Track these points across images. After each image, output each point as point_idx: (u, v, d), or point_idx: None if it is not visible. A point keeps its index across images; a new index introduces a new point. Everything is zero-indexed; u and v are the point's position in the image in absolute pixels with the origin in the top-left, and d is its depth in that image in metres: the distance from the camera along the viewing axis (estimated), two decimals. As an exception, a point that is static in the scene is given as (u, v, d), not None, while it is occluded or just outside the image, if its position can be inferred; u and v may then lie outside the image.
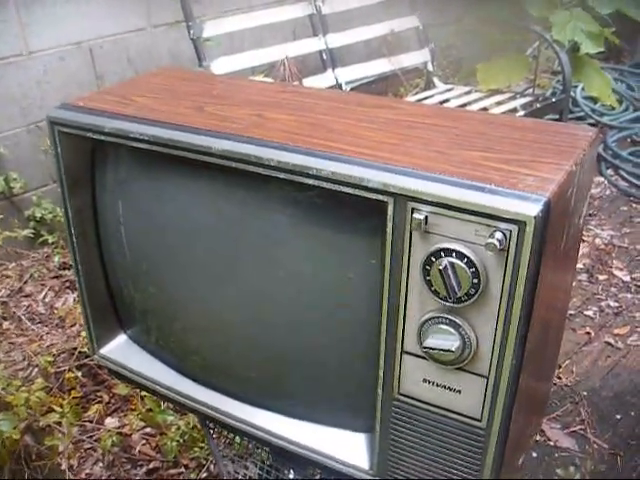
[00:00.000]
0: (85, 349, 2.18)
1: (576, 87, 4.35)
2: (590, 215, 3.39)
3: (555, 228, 0.86)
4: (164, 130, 1.03)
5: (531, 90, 3.92)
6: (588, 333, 2.58)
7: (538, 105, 3.57)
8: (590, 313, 2.68)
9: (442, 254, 0.84)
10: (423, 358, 0.94)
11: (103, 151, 1.18)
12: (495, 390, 0.91)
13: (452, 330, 0.88)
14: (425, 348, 0.90)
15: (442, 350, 0.89)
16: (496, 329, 0.86)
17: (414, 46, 3.85)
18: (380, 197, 0.87)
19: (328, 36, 3.43)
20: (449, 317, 0.88)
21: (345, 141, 0.98)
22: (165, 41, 3.20)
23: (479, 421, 0.94)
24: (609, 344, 2.52)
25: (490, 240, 0.80)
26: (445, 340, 0.89)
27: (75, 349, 2.23)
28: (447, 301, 0.87)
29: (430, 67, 3.90)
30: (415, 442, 1.01)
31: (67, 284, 2.69)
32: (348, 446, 1.12)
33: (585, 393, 2.28)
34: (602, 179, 3.78)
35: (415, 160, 0.90)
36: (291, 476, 1.23)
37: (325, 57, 3.43)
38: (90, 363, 2.20)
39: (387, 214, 0.87)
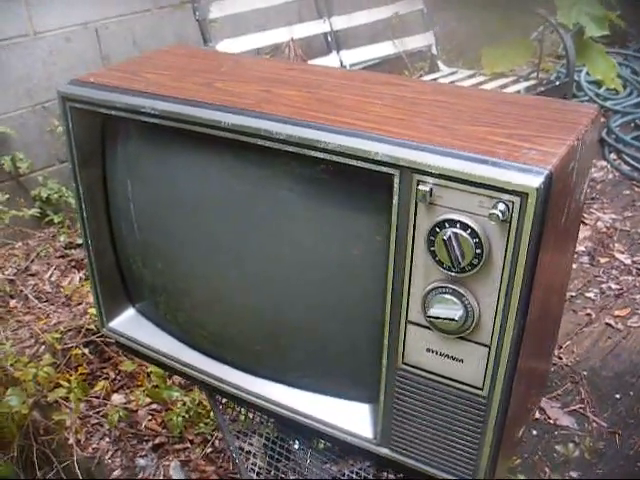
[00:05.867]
0: (92, 326, 2.21)
1: (580, 71, 4.35)
2: (592, 199, 3.40)
3: (556, 201, 0.88)
4: (175, 105, 1.05)
5: (535, 74, 3.92)
6: (589, 314, 2.60)
7: (542, 89, 3.57)
8: (591, 295, 2.71)
9: (446, 225, 0.87)
10: (427, 328, 0.96)
11: (113, 127, 1.20)
12: (497, 359, 0.93)
13: (455, 300, 0.91)
14: (429, 317, 0.93)
15: (446, 319, 0.91)
16: (498, 299, 0.89)
17: (418, 29, 3.85)
18: (387, 169, 0.89)
19: (333, 18, 3.43)
20: (453, 287, 0.90)
21: (352, 116, 1.00)
22: (170, 22, 3.21)
23: (481, 389, 0.97)
24: (609, 325, 2.54)
25: (493, 211, 0.82)
26: (449, 309, 0.91)
27: (82, 327, 2.25)
28: (451, 271, 0.89)
29: (434, 50, 3.90)
30: (418, 411, 1.04)
31: (73, 263, 2.72)
32: (352, 416, 1.15)
33: (585, 373, 2.31)
34: (605, 163, 3.79)
35: (421, 134, 0.92)
36: (296, 446, 1.26)
37: (330, 39, 3.43)
38: (97, 340, 2.23)
39: (393, 186, 0.90)
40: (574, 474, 1.92)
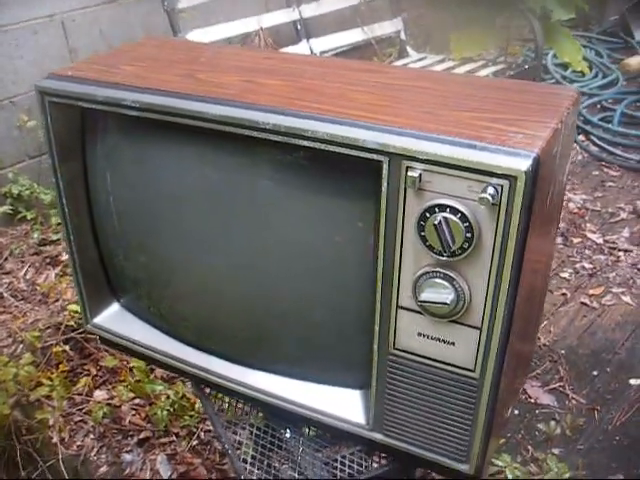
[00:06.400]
0: (72, 323, 2.19)
1: (547, 54, 4.39)
2: (563, 180, 3.45)
3: (543, 183, 0.89)
4: (158, 97, 1.04)
5: (503, 58, 3.95)
6: (564, 294, 2.65)
7: (511, 72, 3.61)
8: (566, 275, 2.75)
9: (436, 210, 0.87)
10: (418, 312, 0.97)
11: (93, 120, 1.18)
12: (488, 341, 0.94)
13: (446, 284, 0.92)
14: (421, 302, 0.94)
15: (437, 303, 0.92)
16: (488, 281, 0.90)
17: (387, 15, 3.85)
18: (375, 156, 0.90)
19: (302, 7, 3.42)
20: (443, 271, 0.91)
21: (337, 104, 1.00)
22: (137, 13, 3.16)
23: (472, 371, 0.98)
24: (585, 304, 2.59)
25: (483, 195, 0.83)
26: (440, 293, 0.92)
27: (61, 324, 2.23)
28: (442, 255, 0.90)
29: (403, 36, 3.91)
30: (410, 395, 1.05)
31: (47, 260, 2.68)
32: (344, 403, 1.16)
33: (563, 352, 2.35)
34: (574, 145, 3.84)
35: (407, 120, 0.93)
36: (287, 435, 1.27)
37: (299, 27, 3.43)
38: (77, 337, 2.21)
39: (382, 173, 0.90)
40: (556, 451, 1.95)
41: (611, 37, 5.11)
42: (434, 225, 0.88)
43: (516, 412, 2.10)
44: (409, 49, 3.94)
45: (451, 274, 0.91)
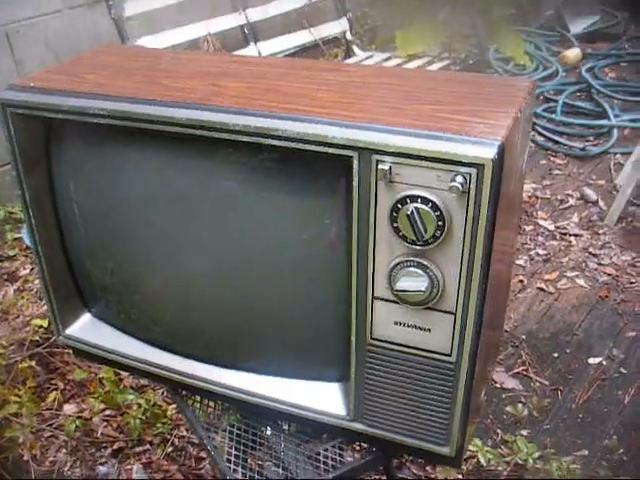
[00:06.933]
0: (36, 337, 2.16)
1: (488, 50, 4.50)
2: (513, 170, 3.54)
3: (507, 170, 0.93)
4: (125, 104, 1.04)
5: (447, 54, 4.03)
6: (521, 281, 2.72)
7: (456, 68, 3.68)
8: (521, 262, 2.83)
9: (408, 200, 0.90)
10: (393, 302, 1.00)
11: (56, 130, 1.18)
12: (462, 325, 0.98)
13: (420, 272, 0.95)
14: (397, 291, 0.97)
15: (413, 291, 0.95)
16: (461, 267, 0.93)
17: (332, 16, 3.89)
18: (345, 152, 0.92)
19: (248, 10, 3.43)
20: (417, 260, 0.94)
21: (303, 103, 1.02)
22: (83, 22, 3.13)
23: (449, 356, 1.01)
24: (541, 289, 2.67)
25: (452, 184, 0.87)
26: (415, 282, 0.95)
27: (25, 339, 2.20)
28: (415, 245, 0.93)
29: (349, 36, 3.96)
30: (389, 383, 1.08)
31: (5, 276, 2.64)
32: (324, 396, 1.18)
33: (524, 337, 2.42)
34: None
35: (373, 116, 0.96)
36: (268, 432, 1.28)
37: (246, 31, 3.44)
38: (42, 352, 2.18)
39: (353, 168, 0.93)
40: (524, 432, 2.01)
41: (548, 31, 5.25)
42: (407, 215, 0.90)
43: (484, 397, 2.15)
44: (355, 48, 3.99)
45: (425, 262, 0.94)
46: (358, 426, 1.14)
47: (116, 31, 2.88)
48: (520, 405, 2.07)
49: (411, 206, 0.90)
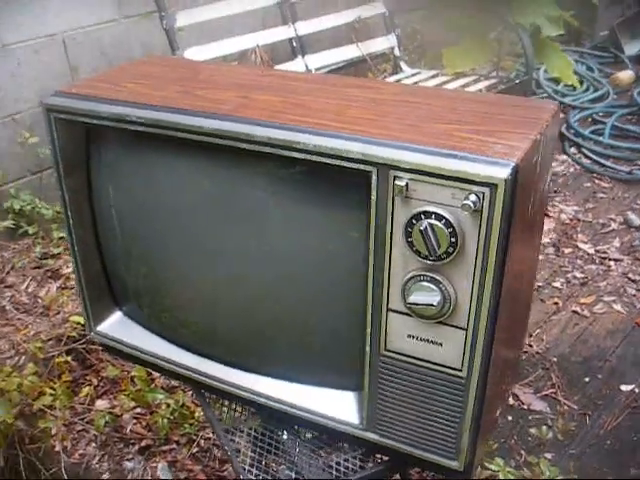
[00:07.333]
0: (74, 334, 2.24)
1: (539, 69, 4.47)
2: (555, 192, 3.52)
3: (523, 191, 0.95)
4: (158, 112, 1.09)
5: (495, 72, 4.03)
6: (556, 303, 2.70)
7: (502, 87, 3.68)
8: (558, 284, 2.81)
9: (422, 217, 0.93)
10: (407, 315, 1.02)
11: (96, 136, 1.24)
12: (473, 340, 0.99)
13: (433, 286, 0.97)
14: (409, 304, 0.99)
15: (425, 305, 0.97)
16: (473, 284, 0.95)
17: (381, 32, 3.93)
18: (364, 167, 0.95)
19: (297, 24, 3.49)
20: (430, 274, 0.97)
21: (326, 117, 1.05)
22: (137, 32, 3.24)
23: (460, 371, 1.03)
24: (576, 313, 2.65)
25: (465, 202, 0.89)
26: (427, 296, 0.97)
27: (63, 335, 2.27)
28: (428, 260, 0.95)
29: (397, 52, 3.98)
30: (401, 395, 1.10)
31: (49, 274, 2.73)
32: (339, 404, 1.20)
33: (555, 359, 2.40)
34: (566, 157, 3.91)
35: (393, 133, 0.99)
36: (285, 437, 1.31)
37: (295, 44, 3.49)
38: (78, 348, 2.26)
39: (371, 182, 0.95)
40: (548, 455, 2.00)
41: (602, 52, 5.20)
42: (420, 231, 0.93)
43: (509, 418, 2.15)
44: (403, 65, 4.01)
45: (437, 277, 0.96)
46: (370, 435, 1.17)
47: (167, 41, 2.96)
48: (545, 427, 2.05)
49: (425, 222, 0.92)
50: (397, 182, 0.93)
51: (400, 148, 0.93)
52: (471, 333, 0.99)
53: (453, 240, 0.92)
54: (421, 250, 0.95)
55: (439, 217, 0.92)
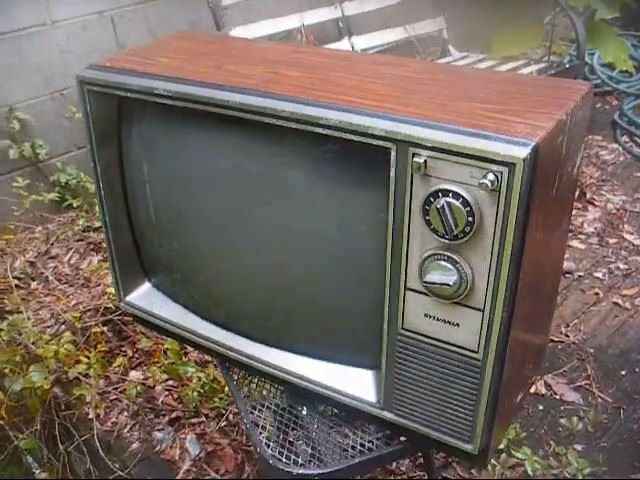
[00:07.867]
0: (111, 305, 2.29)
1: (593, 54, 4.35)
2: (603, 181, 3.43)
3: (545, 172, 0.93)
4: (186, 86, 1.10)
5: (547, 57, 3.93)
6: (597, 294, 2.64)
7: (552, 71, 3.59)
8: (599, 275, 2.74)
9: (440, 195, 0.92)
10: (424, 294, 1.02)
11: (129, 109, 1.26)
12: (490, 322, 0.98)
13: (450, 266, 0.96)
14: (426, 283, 0.98)
15: (441, 284, 0.97)
16: (490, 264, 0.94)
17: (429, 14, 3.88)
18: (383, 143, 0.95)
19: (344, 4, 3.47)
20: (447, 254, 0.96)
21: (353, 94, 1.05)
22: (184, 10, 3.26)
23: (476, 352, 1.02)
24: (617, 304, 2.58)
25: (483, 181, 0.88)
26: (444, 275, 0.96)
27: (100, 306, 2.33)
28: (445, 238, 0.94)
29: (445, 35, 3.93)
30: (418, 375, 1.10)
31: (91, 246, 2.80)
32: (357, 382, 1.21)
33: (592, 350, 2.35)
34: (616, 146, 3.80)
35: (415, 110, 0.98)
36: (304, 412, 1.32)
37: (341, 25, 3.48)
38: (115, 319, 2.31)
39: (390, 159, 0.95)
40: (578, 447, 1.97)
41: (662, 37, 5.01)
42: (437, 209, 0.92)
43: (540, 407, 2.12)
44: (451, 48, 3.96)
45: (454, 257, 0.95)
46: (387, 414, 1.17)
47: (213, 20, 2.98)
48: (575, 418, 2.02)
49: (442, 200, 0.91)
50: (416, 159, 0.92)
51: (420, 125, 0.92)
52: (488, 315, 0.98)
53: (470, 219, 0.91)
54: (438, 228, 0.94)
55: (457, 195, 0.91)
